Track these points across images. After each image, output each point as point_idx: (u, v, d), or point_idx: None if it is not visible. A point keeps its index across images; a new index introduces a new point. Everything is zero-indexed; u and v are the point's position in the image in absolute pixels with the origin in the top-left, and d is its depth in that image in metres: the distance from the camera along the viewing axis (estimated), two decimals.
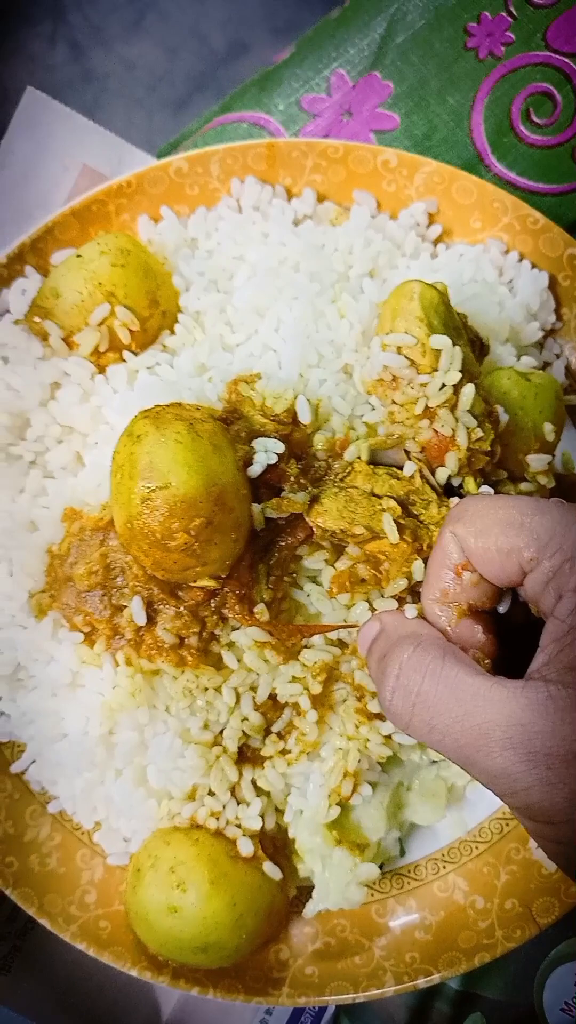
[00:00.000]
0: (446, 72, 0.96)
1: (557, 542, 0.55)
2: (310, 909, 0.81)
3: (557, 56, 0.95)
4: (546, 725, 0.52)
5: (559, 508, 0.57)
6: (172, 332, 0.86)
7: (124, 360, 0.84)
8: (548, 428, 0.81)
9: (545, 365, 0.92)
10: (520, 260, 0.91)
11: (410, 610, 0.68)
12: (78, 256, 0.83)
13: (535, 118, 0.96)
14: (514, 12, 0.95)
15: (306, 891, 0.83)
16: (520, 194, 0.95)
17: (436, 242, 0.92)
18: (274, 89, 0.99)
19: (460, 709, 0.55)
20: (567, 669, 0.53)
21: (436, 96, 0.96)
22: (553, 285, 0.90)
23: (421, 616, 0.66)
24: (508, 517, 0.58)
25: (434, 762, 0.84)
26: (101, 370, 0.84)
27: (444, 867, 0.85)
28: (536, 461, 0.80)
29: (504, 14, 0.96)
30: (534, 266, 0.90)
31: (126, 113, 1.14)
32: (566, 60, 0.95)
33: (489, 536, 0.59)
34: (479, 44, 0.96)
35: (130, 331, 0.83)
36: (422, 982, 0.80)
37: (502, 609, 0.64)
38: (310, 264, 0.85)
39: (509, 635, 0.64)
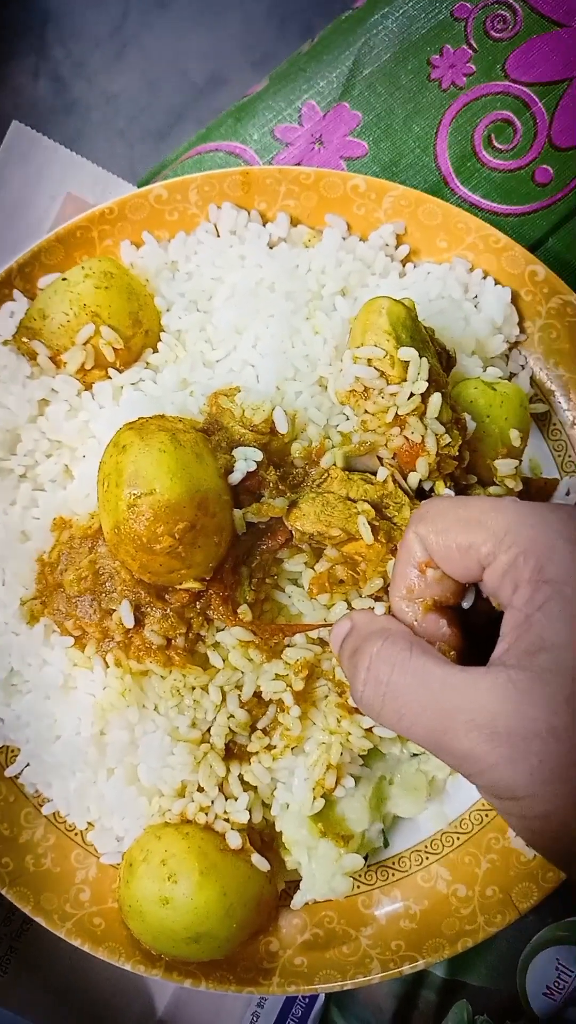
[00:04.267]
0: (411, 102, 1.01)
1: (512, 537, 0.58)
2: (298, 900, 0.83)
3: (516, 85, 1.00)
4: (507, 706, 0.54)
5: (514, 505, 0.60)
6: (155, 350, 0.89)
7: (109, 377, 0.87)
8: (514, 435, 0.85)
9: (512, 376, 0.95)
10: (484, 277, 0.94)
11: (379, 608, 0.71)
12: (64, 279, 0.86)
13: (496, 144, 1.00)
14: (475, 45, 1.00)
15: (294, 885, 0.85)
16: (483, 216, 1.00)
17: (404, 262, 0.96)
18: (249, 120, 1.03)
19: (428, 697, 0.58)
20: (525, 654, 0.55)
21: (402, 124, 1.01)
22: (516, 300, 0.94)
23: (389, 613, 0.68)
24: (467, 516, 0.61)
25: (415, 755, 0.86)
26: (87, 387, 0.87)
27: (427, 858, 0.88)
28: (504, 466, 0.83)
29: (465, 47, 1.00)
30: (497, 283, 0.93)
31: (108, 143, 1.15)
32: (524, 89, 1.00)
33: (449, 534, 0.61)
34: (442, 75, 1.01)
35: (115, 349, 0.85)
36: (407, 968, 0.82)
37: (466, 604, 0.66)
38: (285, 284, 0.88)
39: (474, 630, 0.66)
